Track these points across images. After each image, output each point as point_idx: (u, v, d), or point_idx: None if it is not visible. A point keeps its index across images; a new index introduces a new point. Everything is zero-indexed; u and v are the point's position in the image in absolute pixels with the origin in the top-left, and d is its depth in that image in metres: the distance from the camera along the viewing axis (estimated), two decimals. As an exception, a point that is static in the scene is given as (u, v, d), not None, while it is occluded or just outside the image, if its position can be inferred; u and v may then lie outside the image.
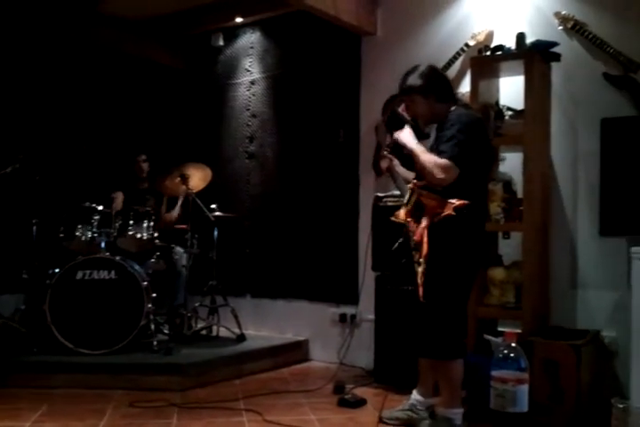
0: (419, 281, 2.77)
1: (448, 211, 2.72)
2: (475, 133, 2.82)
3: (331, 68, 4.95)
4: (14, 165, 4.30)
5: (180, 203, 4.98)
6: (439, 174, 2.71)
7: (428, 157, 2.78)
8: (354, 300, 4.52)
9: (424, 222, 2.81)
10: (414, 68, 3.01)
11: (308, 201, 5.02)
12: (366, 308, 4.37)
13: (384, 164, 3.25)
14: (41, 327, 4.15)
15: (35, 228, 4.53)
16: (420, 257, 2.78)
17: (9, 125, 4.92)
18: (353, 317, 4.60)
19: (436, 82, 2.96)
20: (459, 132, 2.76)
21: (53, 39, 5.17)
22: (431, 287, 2.76)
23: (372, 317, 4.21)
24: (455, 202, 2.71)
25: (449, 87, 3.02)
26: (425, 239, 2.77)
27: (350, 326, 4.60)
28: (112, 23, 5.36)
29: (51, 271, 4.39)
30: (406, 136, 2.94)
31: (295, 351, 4.79)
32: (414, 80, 2.96)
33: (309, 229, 4.99)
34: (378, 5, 4.69)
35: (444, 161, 2.70)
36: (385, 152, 3.27)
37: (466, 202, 2.73)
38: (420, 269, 2.77)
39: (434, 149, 2.87)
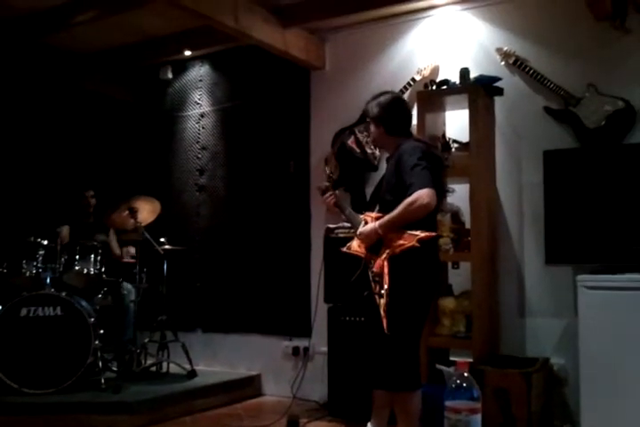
0: (382, 313, 2.72)
1: (412, 242, 2.68)
2: (430, 164, 2.80)
3: (281, 101, 5.01)
4: None
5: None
6: (422, 204, 2.64)
7: (401, 211, 2.70)
8: (306, 332, 4.48)
9: (384, 254, 2.78)
10: (379, 95, 3.03)
11: (260, 233, 5.00)
12: (319, 340, 4.35)
13: (329, 199, 3.11)
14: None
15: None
16: (382, 289, 2.75)
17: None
18: (306, 349, 4.57)
19: (391, 114, 2.97)
20: (419, 160, 2.75)
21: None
22: (394, 319, 2.72)
23: (325, 349, 4.20)
24: (419, 234, 2.68)
25: (405, 121, 3.02)
26: (386, 271, 2.74)
27: (303, 359, 4.56)
28: (59, 55, 5.31)
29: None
30: (368, 230, 2.85)
31: (248, 386, 4.72)
32: (371, 107, 3.00)
33: (261, 261, 4.96)
34: (326, 41, 4.79)
35: (414, 195, 2.65)
36: (325, 188, 3.15)
37: (432, 234, 2.74)
38: (382, 302, 2.73)
39: (389, 182, 2.89)
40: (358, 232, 2.92)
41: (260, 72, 5.13)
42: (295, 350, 4.67)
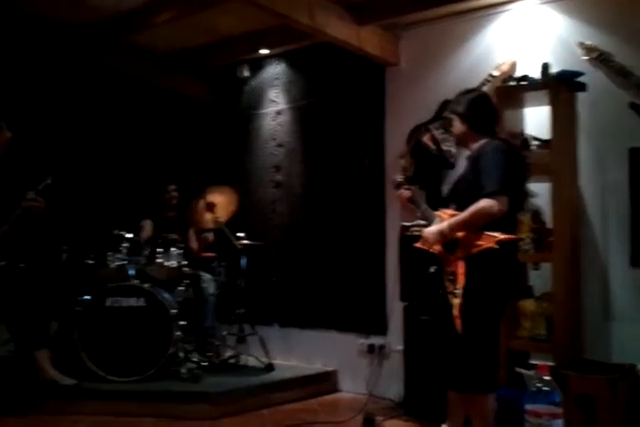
0: (455, 313, 2.73)
1: (490, 244, 2.67)
2: (512, 165, 2.78)
3: (355, 98, 5.01)
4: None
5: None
6: (490, 212, 2.65)
7: (468, 216, 2.71)
8: (382, 330, 4.49)
9: (459, 253, 2.77)
10: (466, 92, 3.05)
11: (335, 230, 5.04)
12: (395, 338, 4.33)
13: (404, 194, 3.13)
14: (72, 354, 4.18)
15: (65, 255, 4.61)
16: (455, 288, 2.75)
17: (41, 155, 5.02)
18: (381, 347, 4.58)
19: (477, 111, 2.96)
20: (499, 161, 2.74)
21: (84, 70, 5.31)
22: (468, 319, 2.72)
23: (401, 347, 4.19)
24: (499, 235, 2.66)
25: (490, 119, 3.00)
26: (462, 271, 2.73)
27: (379, 357, 4.57)
28: (140, 55, 5.49)
29: (80, 298, 4.45)
30: (432, 231, 2.85)
31: (324, 382, 4.76)
32: (457, 103, 3.00)
33: (337, 258, 5.00)
34: (401, 37, 4.76)
35: (484, 202, 2.65)
36: (399, 182, 3.18)
37: (512, 236, 2.71)
38: (456, 301, 2.74)
39: (467, 179, 2.88)
40: (424, 231, 2.91)
41: (335, 69, 5.15)
42: (371, 348, 4.69)
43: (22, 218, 3.75)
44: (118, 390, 3.98)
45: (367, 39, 4.54)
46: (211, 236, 5.04)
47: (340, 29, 4.37)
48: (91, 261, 4.47)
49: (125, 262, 4.46)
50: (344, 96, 5.09)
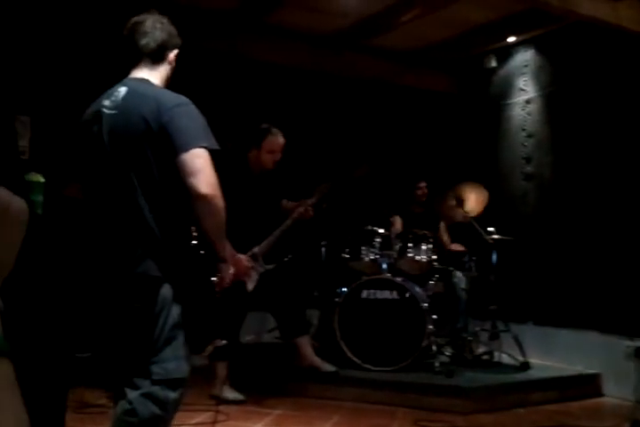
0: None
1: None
2: None
3: (614, 80, 4.60)
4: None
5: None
6: None
7: None
8: (651, 332, 4.07)
9: None
10: None
11: (594, 223, 4.68)
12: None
13: None
14: (332, 342, 4.44)
15: (324, 249, 4.91)
16: None
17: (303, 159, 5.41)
18: (652, 351, 4.14)
19: None
20: None
21: (328, 78, 5.63)
22: None
23: (675, 352, 3.76)
24: None
25: None
26: None
27: (648, 362, 4.14)
28: (381, 55, 5.66)
29: (339, 290, 4.70)
30: None
31: (586, 385, 4.44)
32: None
33: (597, 253, 4.64)
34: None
35: None
36: None
37: None
38: None
39: None
40: None
41: (587, 51, 4.81)
42: (638, 352, 4.26)
43: (294, 224, 4.04)
44: (373, 378, 4.12)
45: (626, 15, 4.16)
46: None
47: (594, 7, 4.09)
48: (347, 255, 4.70)
49: (378, 257, 4.61)
50: (600, 79, 4.72)
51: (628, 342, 4.34)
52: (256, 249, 3.88)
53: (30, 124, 4.39)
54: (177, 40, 2.17)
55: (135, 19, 2.13)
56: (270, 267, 3.98)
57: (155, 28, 2.11)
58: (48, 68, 4.42)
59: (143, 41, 2.09)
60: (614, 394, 4.37)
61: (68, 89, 4.32)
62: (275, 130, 3.96)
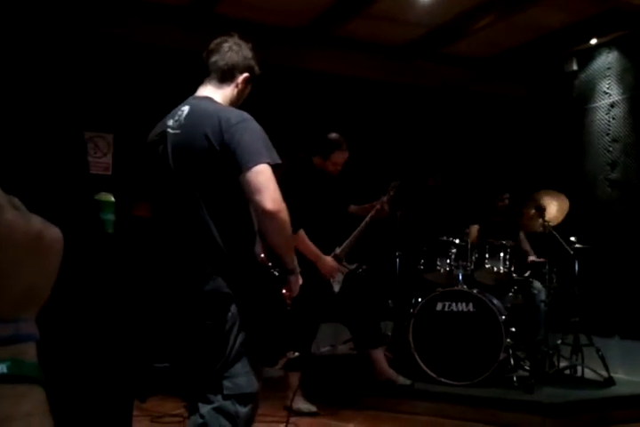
0: None
1: None
2: None
3: None
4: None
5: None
6: None
7: None
8: None
9: None
10: None
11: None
12: None
13: None
14: (406, 354, 4.39)
15: (398, 260, 4.88)
16: None
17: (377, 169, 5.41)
18: None
19: None
20: None
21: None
22: None
23: None
24: None
25: None
26: None
27: None
28: (455, 63, 5.57)
29: (413, 301, 4.65)
30: None
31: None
32: None
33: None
34: None
35: None
36: None
37: None
38: None
39: None
40: None
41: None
42: None
43: (370, 225, 4.04)
44: (448, 392, 4.04)
45: None
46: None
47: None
48: (421, 266, 4.64)
49: (454, 267, 4.53)
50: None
51: None
52: (337, 250, 3.90)
53: (113, 141, 4.61)
54: (250, 64, 2.16)
55: (215, 40, 2.18)
56: (353, 267, 3.99)
57: (230, 49, 2.14)
58: (131, 87, 4.62)
59: (213, 58, 2.13)
60: None
61: (152, 107, 4.50)
62: (344, 145, 3.97)
